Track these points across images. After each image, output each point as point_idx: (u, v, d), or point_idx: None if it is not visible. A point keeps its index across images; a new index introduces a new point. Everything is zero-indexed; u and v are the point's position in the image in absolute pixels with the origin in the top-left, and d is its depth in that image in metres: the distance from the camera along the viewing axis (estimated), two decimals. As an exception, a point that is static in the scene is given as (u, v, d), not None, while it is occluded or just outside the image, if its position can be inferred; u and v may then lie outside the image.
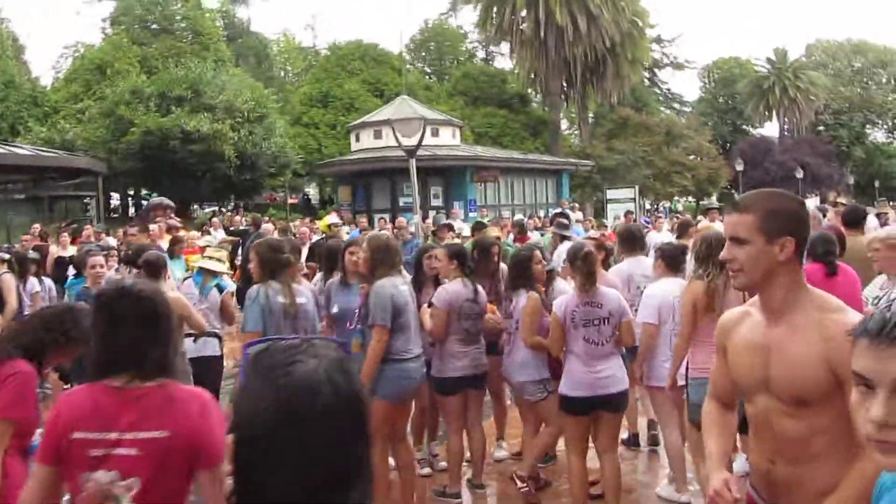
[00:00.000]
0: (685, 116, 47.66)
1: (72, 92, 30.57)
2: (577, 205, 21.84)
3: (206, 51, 34.19)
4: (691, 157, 37.37)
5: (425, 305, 5.08)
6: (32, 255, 8.36)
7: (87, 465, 2.06)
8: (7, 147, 18.46)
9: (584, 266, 4.48)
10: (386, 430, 4.64)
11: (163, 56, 32.07)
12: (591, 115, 41.39)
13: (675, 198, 39.71)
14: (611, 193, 26.15)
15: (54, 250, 10.80)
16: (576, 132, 44.84)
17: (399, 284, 4.62)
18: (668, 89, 53.19)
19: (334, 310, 5.14)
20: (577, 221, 14.38)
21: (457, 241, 9.27)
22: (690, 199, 42.42)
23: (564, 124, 44.89)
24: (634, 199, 24.68)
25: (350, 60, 36.12)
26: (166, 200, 10.57)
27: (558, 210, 14.68)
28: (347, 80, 34.57)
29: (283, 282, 4.46)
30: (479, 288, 5.09)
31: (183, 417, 2.11)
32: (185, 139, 23.40)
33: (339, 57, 37.37)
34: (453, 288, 4.98)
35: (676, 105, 53.30)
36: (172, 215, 9.78)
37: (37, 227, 13.48)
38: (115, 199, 33.93)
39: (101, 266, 6.22)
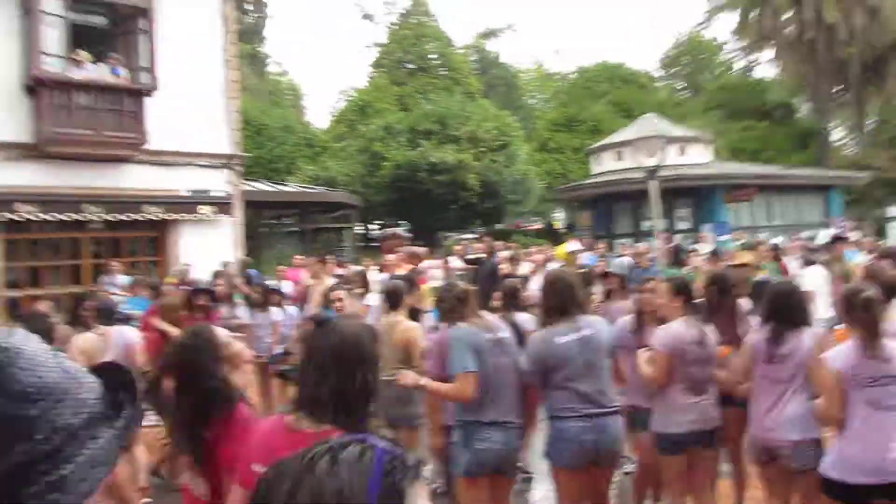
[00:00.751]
0: None
1: (338, 132, 33.51)
2: (849, 223, 18.98)
3: (458, 85, 35.65)
4: None
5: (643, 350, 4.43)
6: (277, 285, 8.96)
7: None
8: (275, 185, 20.65)
9: (866, 315, 3.50)
10: (568, 497, 4.07)
11: (417, 93, 34.01)
12: (870, 121, 36.57)
13: None
14: (892, 210, 22.56)
15: (306, 281, 11.53)
16: (853, 141, 39.94)
17: (558, 336, 4.02)
18: (973, 85, 45.56)
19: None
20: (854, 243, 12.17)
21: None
22: None
23: (839, 134, 40.17)
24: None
25: (597, 83, 35.64)
26: (399, 231, 10.89)
27: (835, 232, 12.75)
28: (594, 102, 34.05)
29: (472, 316, 4.14)
30: (708, 329, 4.31)
31: None
32: (432, 170, 24.42)
33: (585, 80, 37.11)
34: (675, 328, 4.27)
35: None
36: (406, 245, 9.99)
37: (299, 258, 14.39)
38: (375, 229, 36.41)
39: (341, 300, 6.45)
